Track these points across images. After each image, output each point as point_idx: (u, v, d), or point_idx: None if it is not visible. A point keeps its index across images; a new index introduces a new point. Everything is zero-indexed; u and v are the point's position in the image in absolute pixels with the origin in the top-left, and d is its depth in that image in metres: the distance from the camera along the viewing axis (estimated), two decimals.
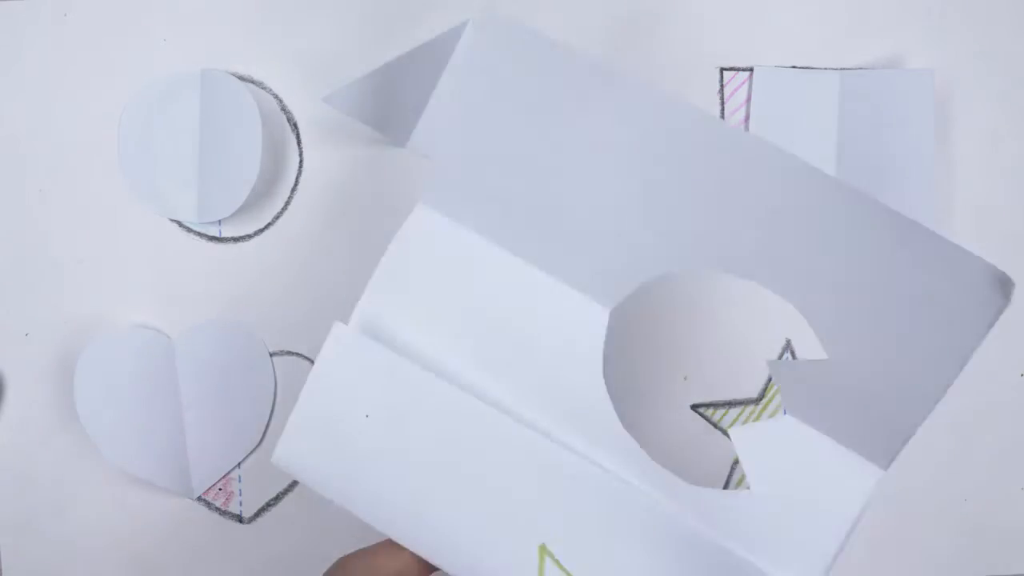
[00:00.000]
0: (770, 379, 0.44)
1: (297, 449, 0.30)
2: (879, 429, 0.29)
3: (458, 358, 0.30)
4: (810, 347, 0.29)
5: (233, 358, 0.42)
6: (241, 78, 0.41)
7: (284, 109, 0.42)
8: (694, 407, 0.44)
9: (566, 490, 0.28)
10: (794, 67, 0.43)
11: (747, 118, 0.43)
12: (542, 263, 0.30)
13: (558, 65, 0.29)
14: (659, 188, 0.29)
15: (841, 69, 0.43)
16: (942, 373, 0.28)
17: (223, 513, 0.43)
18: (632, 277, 0.30)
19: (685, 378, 0.44)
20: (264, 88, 0.42)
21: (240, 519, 0.44)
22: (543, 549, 0.28)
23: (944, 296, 0.28)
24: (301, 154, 0.43)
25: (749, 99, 0.43)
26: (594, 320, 0.30)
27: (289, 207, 0.43)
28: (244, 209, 0.41)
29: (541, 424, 0.29)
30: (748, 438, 0.29)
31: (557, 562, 0.28)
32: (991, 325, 0.28)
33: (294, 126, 0.42)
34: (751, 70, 0.43)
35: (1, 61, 0.42)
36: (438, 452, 0.29)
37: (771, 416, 0.44)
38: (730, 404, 0.44)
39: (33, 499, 0.43)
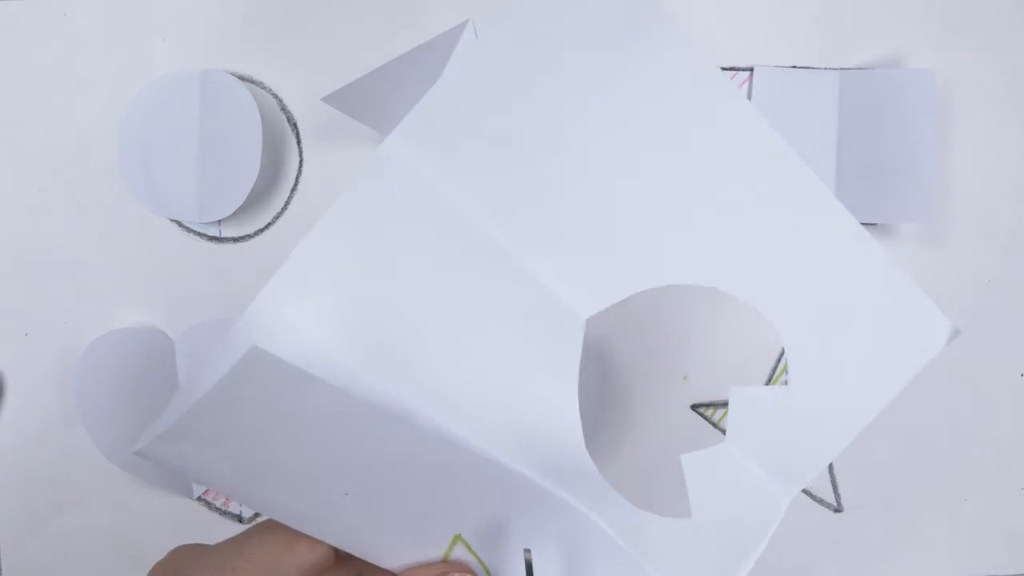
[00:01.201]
0: (770, 379, 0.44)
1: (175, 448, 0.24)
2: (797, 455, 0.29)
3: (388, 356, 0.25)
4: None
5: None
6: (241, 78, 0.41)
7: (284, 109, 0.42)
8: (694, 407, 0.44)
9: (495, 496, 0.27)
10: (794, 67, 0.43)
11: None
12: (525, 244, 0.26)
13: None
14: (673, 191, 0.27)
15: (841, 69, 0.43)
16: (864, 408, 0.29)
17: (223, 513, 0.43)
18: (623, 282, 0.27)
19: (685, 378, 0.44)
20: (264, 88, 0.42)
21: (240, 519, 0.44)
22: (458, 537, 0.27)
23: (888, 333, 0.28)
24: (301, 154, 0.43)
25: (749, 99, 0.43)
26: (573, 324, 0.27)
27: (289, 207, 0.43)
28: (244, 209, 0.41)
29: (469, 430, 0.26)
30: (696, 469, 0.29)
31: (469, 547, 0.27)
32: (920, 369, 0.28)
33: (294, 126, 0.42)
34: (751, 70, 0.43)
35: (1, 61, 0.42)
36: (358, 461, 0.25)
37: None
38: None
39: (33, 499, 0.43)
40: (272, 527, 0.27)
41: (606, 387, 0.43)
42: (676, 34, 0.26)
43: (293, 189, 0.43)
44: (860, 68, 0.43)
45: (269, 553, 0.27)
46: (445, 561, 0.28)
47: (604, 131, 0.26)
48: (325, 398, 0.23)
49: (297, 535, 0.27)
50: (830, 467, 0.45)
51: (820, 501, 0.45)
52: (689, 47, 0.26)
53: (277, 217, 0.43)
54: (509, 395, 0.27)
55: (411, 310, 0.26)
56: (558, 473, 0.27)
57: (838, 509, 0.45)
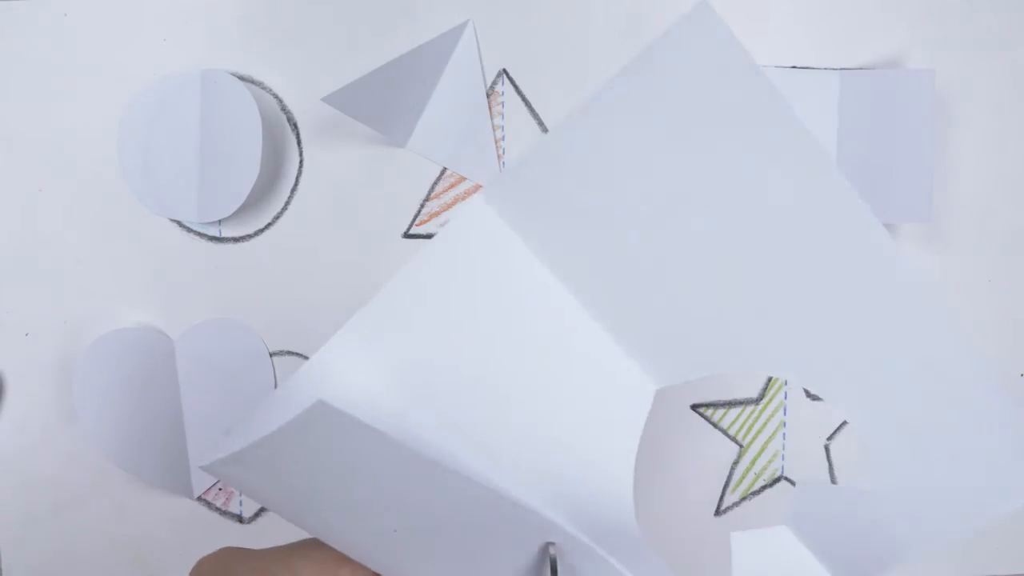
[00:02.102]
0: (770, 379, 0.44)
1: (235, 471, 0.24)
2: (866, 562, 0.27)
3: (455, 400, 0.25)
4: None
5: (233, 358, 0.42)
6: (241, 78, 0.41)
7: (284, 109, 0.42)
8: (694, 407, 0.44)
9: (538, 546, 0.26)
10: (794, 67, 0.43)
11: None
12: (602, 314, 0.26)
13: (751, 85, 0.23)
14: (770, 274, 0.25)
15: (841, 69, 0.43)
16: (947, 530, 0.26)
17: (223, 513, 0.43)
18: (702, 362, 0.26)
19: None
20: (264, 88, 0.42)
21: (240, 519, 0.44)
22: None
23: (990, 460, 0.25)
24: (301, 154, 0.43)
25: None
26: (640, 396, 0.26)
27: (289, 207, 0.43)
28: (244, 209, 0.41)
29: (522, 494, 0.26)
30: (746, 550, 0.28)
31: None
32: (1018, 509, 0.26)
33: (294, 126, 0.42)
34: None
35: (1, 61, 0.42)
36: (408, 504, 0.25)
37: (767, 419, 0.44)
38: (730, 404, 0.44)
39: (33, 499, 0.43)
40: (320, 544, 0.27)
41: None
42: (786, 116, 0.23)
43: (293, 189, 0.43)
44: (860, 68, 0.43)
45: (314, 569, 0.27)
46: None
47: (692, 210, 0.25)
48: (383, 447, 0.23)
49: (342, 558, 0.27)
50: (829, 467, 0.45)
51: None
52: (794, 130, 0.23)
53: (277, 217, 0.43)
54: (565, 461, 0.26)
55: (476, 370, 0.26)
56: (604, 539, 0.26)
57: None
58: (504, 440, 0.26)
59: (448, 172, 0.43)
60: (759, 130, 0.23)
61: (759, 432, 0.44)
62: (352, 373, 0.25)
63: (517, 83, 0.43)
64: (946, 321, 0.25)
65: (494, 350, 0.26)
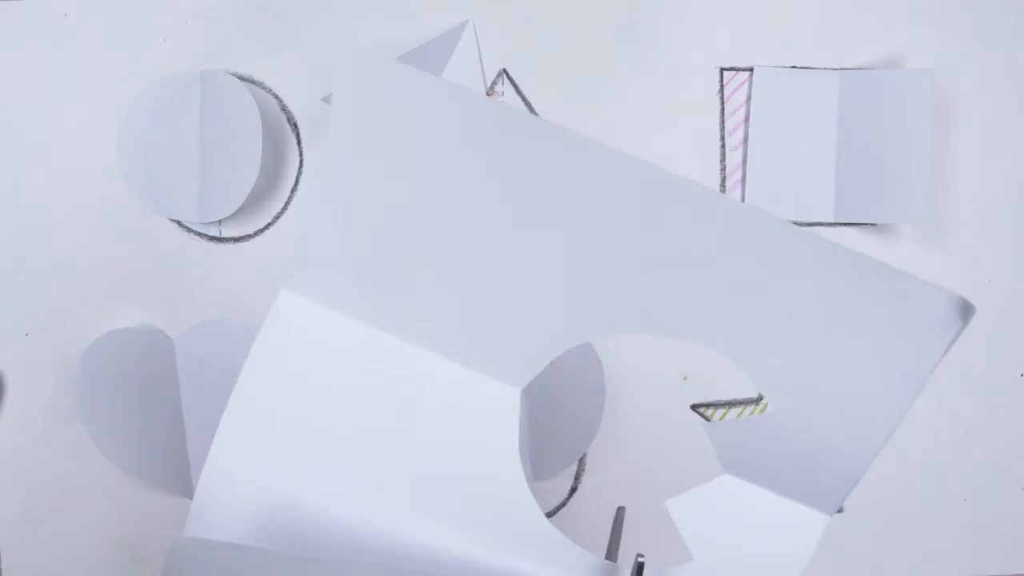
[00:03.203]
0: None
1: None
2: (824, 474, 0.27)
3: (339, 479, 0.26)
4: None
5: (233, 358, 0.42)
6: (241, 78, 0.41)
7: (284, 109, 0.42)
8: (694, 407, 0.44)
9: None
10: (794, 67, 0.43)
11: (747, 118, 0.43)
12: (439, 346, 0.26)
13: (447, 106, 0.24)
14: (574, 247, 0.24)
15: (841, 69, 0.43)
16: (890, 411, 0.25)
17: None
18: (545, 350, 0.26)
19: (685, 378, 0.44)
20: (264, 88, 0.42)
21: None
22: None
23: (894, 330, 0.24)
24: (301, 154, 0.43)
25: (749, 99, 0.43)
26: (507, 406, 0.26)
27: (289, 207, 0.43)
28: (244, 209, 0.41)
29: (442, 539, 0.25)
30: (684, 508, 0.27)
31: None
32: (944, 352, 0.25)
33: (294, 126, 0.42)
34: (751, 70, 0.43)
35: (1, 61, 0.42)
36: None
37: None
38: (730, 404, 0.44)
39: (33, 499, 0.43)
40: None
41: (607, 387, 0.43)
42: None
43: (293, 189, 0.43)
44: (860, 68, 0.43)
45: None
46: None
47: (475, 213, 0.25)
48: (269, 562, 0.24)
49: None
50: None
51: None
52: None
53: (277, 217, 0.43)
54: (466, 496, 0.26)
55: (351, 445, 0.26)
56: (525, 549, 0.26)
57: (839, 509, 0.45)
58: (399, 501, 0.26)
59: None
60: (463, 122, 0.24)
61: None
62: (235, 482, 0.26)
63: (517, 83, 0.43)
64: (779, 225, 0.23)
65: (359, 425, 0.26)
